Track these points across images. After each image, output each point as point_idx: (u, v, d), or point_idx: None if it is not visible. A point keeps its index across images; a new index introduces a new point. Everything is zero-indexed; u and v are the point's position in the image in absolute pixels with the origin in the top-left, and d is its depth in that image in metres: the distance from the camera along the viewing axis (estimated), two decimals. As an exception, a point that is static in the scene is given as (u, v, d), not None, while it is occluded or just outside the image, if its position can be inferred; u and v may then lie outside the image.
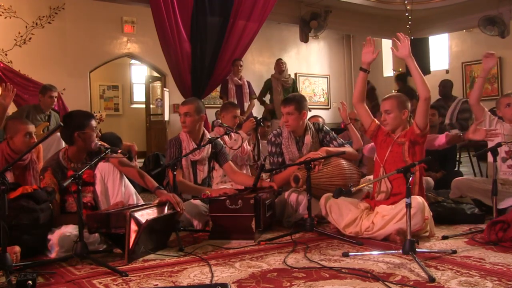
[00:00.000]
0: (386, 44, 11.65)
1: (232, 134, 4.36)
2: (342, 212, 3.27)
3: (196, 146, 3.80)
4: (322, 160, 3.64)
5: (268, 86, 7.38)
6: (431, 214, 3.12)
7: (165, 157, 4.17)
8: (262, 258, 2.75)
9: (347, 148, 3.93)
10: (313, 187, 3.36)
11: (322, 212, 3.40)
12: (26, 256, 2.72)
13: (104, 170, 3.22)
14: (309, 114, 4.24)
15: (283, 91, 7.20)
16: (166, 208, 3.10)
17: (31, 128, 3.47)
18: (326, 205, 3.35)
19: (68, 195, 3.13)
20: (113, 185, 3.21)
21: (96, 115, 5.93)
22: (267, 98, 7.76)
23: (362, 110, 3.50)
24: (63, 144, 4.49)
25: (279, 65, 7.34)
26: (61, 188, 2.94)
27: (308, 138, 3.93)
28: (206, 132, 4.04)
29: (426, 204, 3.05)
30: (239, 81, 6.76)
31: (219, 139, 3.98)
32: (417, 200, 2.97)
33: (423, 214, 2.99)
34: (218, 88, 7.45)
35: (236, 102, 6.49)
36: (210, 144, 3.90)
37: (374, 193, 3.36)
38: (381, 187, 3.31)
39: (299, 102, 3.88)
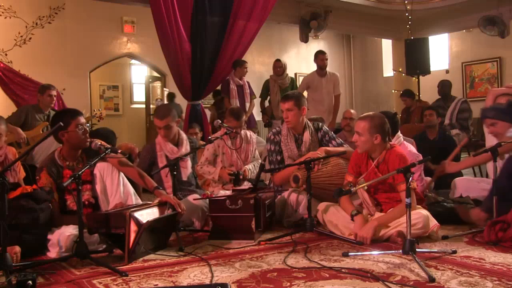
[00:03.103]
0: (386, 44, 11.66)
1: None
2: (339, 228, 3.27)
3: (172, 146, 3.94)
4: (322, 160, 3.64)
5: (266, 87, 7.34)
6: (435, 221, 3.12)
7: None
8: (262, 258, 2.75)
9: (347, 148, 3.93)
10: (313, 187, 3.36)
11: (320, 220, 3.41)
12: (26, 256, 2.73)
13: (103, 169, 3.22)
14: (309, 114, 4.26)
15: (280, 91, 7.17)
16: (166, 208, 3.10)
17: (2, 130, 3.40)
18: (322, 216, 3.36)
19: (68, 194, 3.14)
20: (112, 184, 3.21)
21: (96, 113, 5.93)
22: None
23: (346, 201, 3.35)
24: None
25: (276, 69, 7.26)
26: (58, 187, 2.95)
27: (307, 136, 3.94)
28: (181, 131, 4.15)
29: (430, 216, 3.07)
30: (239, 81, 6.76)
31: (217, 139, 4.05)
32: (421, 214, 3.01)
33: (428, 227, 3.02)
34: (218, 88, 7.43)
35: (238, 103, 6.50)
36: (188, 141, 4.05)
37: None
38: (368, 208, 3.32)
39: (298, 98, 3.91)
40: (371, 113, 3.36)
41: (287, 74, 7.35)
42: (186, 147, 4.01)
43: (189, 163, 4.04)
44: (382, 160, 3.21)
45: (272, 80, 7.26)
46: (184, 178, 3.93)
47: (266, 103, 7.41)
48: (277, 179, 3.94)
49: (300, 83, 8.19)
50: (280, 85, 7.19)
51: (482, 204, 3.44)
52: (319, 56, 7.15)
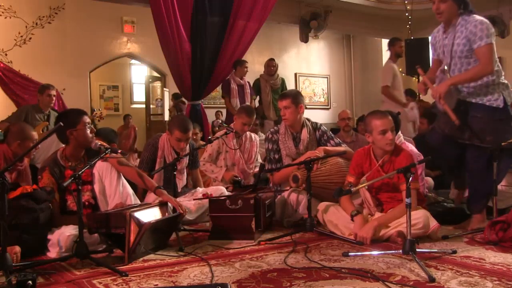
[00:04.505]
0: (386, 44, 11.66)
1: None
2: (340, 228, 3.27)
3: (175, 154, 4.00)
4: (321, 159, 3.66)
5: (257, 87, 7.31)
6: (436, 221, 3.12)
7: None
8: (262, 258, 2.75)
9: (346, 148, 3.94)
10: (313, 186, 3.36)
11: (320, 220, 3.41)
12: (26, 256, 2.72)
13: (102, 169, 3.22)
14: (309, 114, 4.27)
15: (272, 92, 7.17)
16: (167, 209, 3.10)
17: (36, 135, 3.55)
18: (323, 216, 3.36)
19: (68, 194, 3.14)
20: (110, 184, 3.21)
21: (96, 113, 5.93)
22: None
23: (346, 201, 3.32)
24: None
25: (269, 68, 7.24)
26: (60, 187, 2.95)
27: (304, 134, 3.96)
28: None
29: (430, 216, 3.07)
30: (240, 81, 6.78)
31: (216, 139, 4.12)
32: (422, 213, 3.01)
33: (428, 227, 3.02)
34: (218, 88, 7.43)
35: (238, 102, 6.50)
36: (189, 151, 4.10)
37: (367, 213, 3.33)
38: (369, 208, 3.33)
39: (295, 96, 3.96)
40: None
41: (278, 75, 7.34)
42: (186, 160, 4.11)
43: (184, 175, 4.14)
44: (387, 160, 3.21)
45: (263, 80, 7.24)
46: (179, 189, 3.94)
47: (257, 103, 7.38)
48: (276, 178, 3.95)
49: (299, 83, 8.11)
50: (271, 86, 7.19)
51: (473, 209, 3.44)
52: (398, 43, 6.94)
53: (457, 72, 3.32)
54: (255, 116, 4.83)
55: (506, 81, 3.34)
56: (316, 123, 4.14)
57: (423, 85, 3.42)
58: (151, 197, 3.61)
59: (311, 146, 3.95)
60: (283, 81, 7.44)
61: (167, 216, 3.04)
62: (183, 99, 8.18)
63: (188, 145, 4.11)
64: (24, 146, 3.38)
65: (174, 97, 9.10)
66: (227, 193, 3.99)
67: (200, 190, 4.14)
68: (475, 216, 3.41)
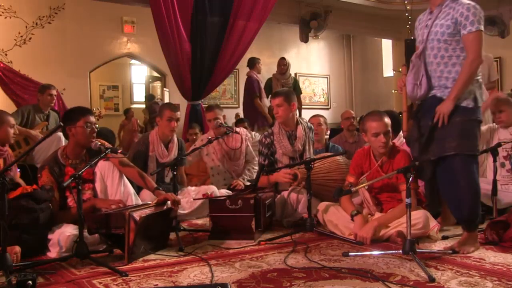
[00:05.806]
0: (386, 44, 11.66)
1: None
2: (340, 228, 3.27)
3: (164, 149, 4.17)
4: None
5: (269, 86, 7.36)
6: (436, 221, 3.12)
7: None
8: (262, 258, 2.75)
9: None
10: (312, 183, 3.36)
11: (320, 220, 3.41)
12: (26, 256, 2.72)
13: (104, 169, 3.23)
14: (309, 114, 4.30)
15: None
16: (164, 207, 3.10)
17: (13, 120, 3.53)
18: (323, 216, 3.36)
19: (68, 192, 3.14)
20: (112, 184, 3.23)
21: (95, 112, 5.94)
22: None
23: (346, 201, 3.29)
24: (63, 143, 4.53)
25: (280, 67, 7.32)
26: (59, 186, 2.96)
27: (300, 131, 3.98)
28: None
29: (430, 216, 3.07)
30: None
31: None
32: (422, 214, 3.01)
33: (428, 228, 3.02)
34: (218, 88, 7.46)
35: (265, 98, 6.82)
36: (177, 146, 4.27)
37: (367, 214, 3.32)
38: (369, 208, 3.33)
39: (287, 94, 4.00)
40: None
41: (290, 74, 7.40)
42: (174, 152, 4.21)
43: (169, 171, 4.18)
44: (386, 160, 3.21)
45: (275, 79, 7.30)
46: (167, 181, 4.14)
47: (268, 103, 7.42)
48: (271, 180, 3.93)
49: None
50: (283, 85, 7.23)
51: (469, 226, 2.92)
52: None
53: (432, 58, 2.90)
54: (217, 109, 4.71)
55: (481, 80, 2.93)
56: (312, 124, 4.24)
57: (402, 82, 3.09)
58: (145, 194, 3.64)
59: (307, 144, 3.98)
60: (295, 80, 7.53)
61: (158, 210, 3.01)
62: (156, 100, 8.28)
63: (177, 141, 4.27)
64: (2, 130, 3.39)
65: (148, 98, 9.13)
66: (217, 192, 4.02)
67: (192, 189, 4.21)
68: (470, 234, 2.84)
